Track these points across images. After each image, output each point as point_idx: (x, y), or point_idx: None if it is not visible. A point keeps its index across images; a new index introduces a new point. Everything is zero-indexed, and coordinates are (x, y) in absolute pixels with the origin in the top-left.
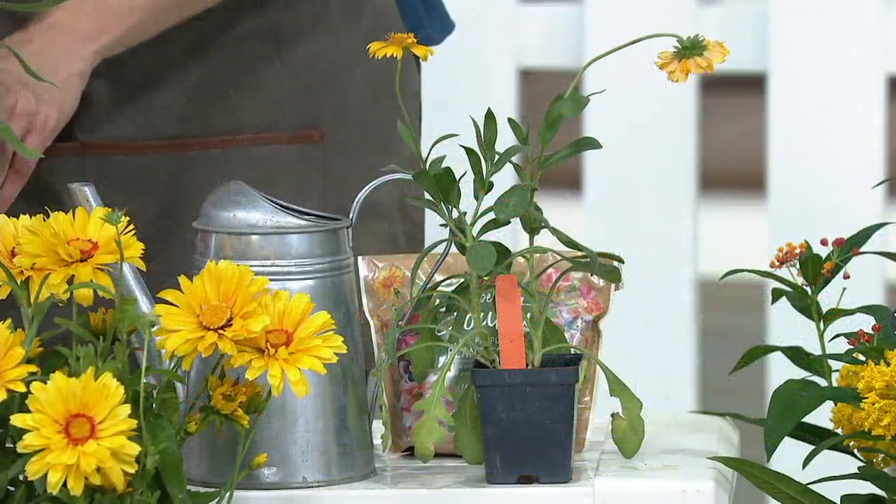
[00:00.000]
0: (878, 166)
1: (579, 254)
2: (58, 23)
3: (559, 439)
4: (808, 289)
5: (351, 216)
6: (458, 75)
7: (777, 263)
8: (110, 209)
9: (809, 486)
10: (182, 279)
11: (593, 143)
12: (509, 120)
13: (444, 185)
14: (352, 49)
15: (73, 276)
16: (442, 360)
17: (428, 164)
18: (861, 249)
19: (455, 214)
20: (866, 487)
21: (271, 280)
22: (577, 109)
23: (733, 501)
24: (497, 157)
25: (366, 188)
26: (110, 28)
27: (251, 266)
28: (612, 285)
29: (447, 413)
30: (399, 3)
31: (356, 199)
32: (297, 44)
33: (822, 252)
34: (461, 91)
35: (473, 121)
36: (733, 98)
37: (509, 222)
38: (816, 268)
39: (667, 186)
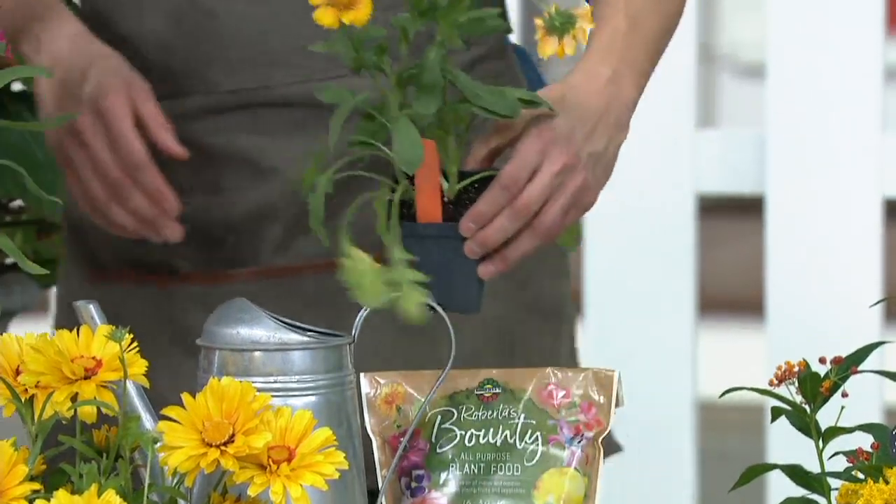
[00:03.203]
0: (876, 287)
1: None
2: (613, 80)
3: (470, 277)
4: (806, 407)
5: (353, 332)
6: None
7: (776, 381)
8: (114, 327)
9: None
10: (185, 396)
11: None
12: None
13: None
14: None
15: (76, 393)
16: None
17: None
18: (859, 368)
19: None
20: None
21: (274, 396)
22: None
23: None
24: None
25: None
26: (640, 85)
27: (254, 382)
28: (613, 403)
29: (415, 272)
30: (521, 63)
31: (359, 317)
32: None
33: (821, 370)
34: None
35: None
36: (731, 222)
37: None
38: (815, 386)
39: (666, 309)
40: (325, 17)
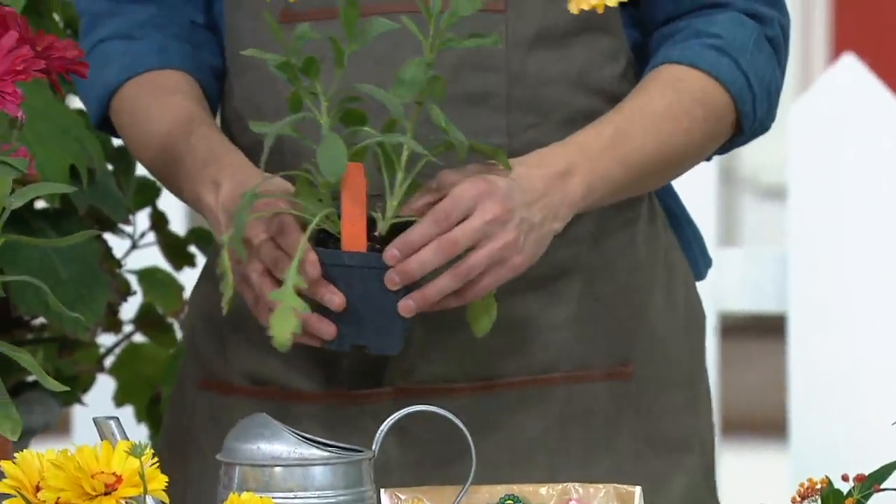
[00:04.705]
0: None
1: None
2: (564, 174)
3: (392, 314)
4: None
5: (374, 448)
6: None
7: (798, 499)
8: (133, 442)
9: None
10: None
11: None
12: None
13: (306, 64)
14: (653, 282)
15: None
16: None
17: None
18: (882, 486)
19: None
20: None
21: None
22: (472, 7)
23: None
24: (363, 27)
25: (393, 416)
26: (596, 190)
27: (274, 498)
28: None
29: (301, 302)
30: (679, 239)
31: (380, 431)
32: (607, 280)
33: (844, 488)
34: None
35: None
36: (753, 343)
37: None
38: (838, 503)
39: None
40: None
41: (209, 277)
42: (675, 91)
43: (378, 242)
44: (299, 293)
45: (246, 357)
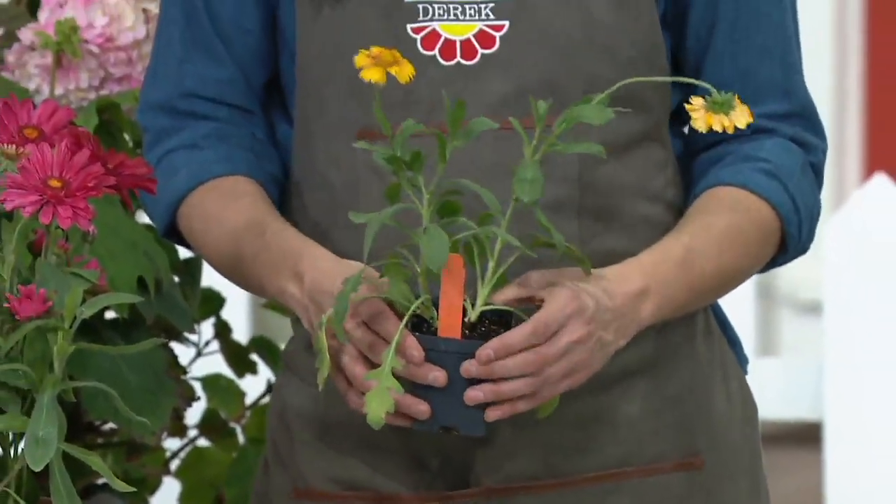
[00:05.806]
0: None
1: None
2: (640, 296)
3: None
4: None
5: None
6: None
7: None
8: None
9: None
10: None
11: (598, 149)
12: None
13: (412, 157)
14: (713, 376)
15: None
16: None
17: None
18: None
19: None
20: None
21: None
22: (602, 118)
23: None
24: (464, 131)
25: None
26: (664, 313)
27: None
28: None
29: (397, 383)
30: (723, 331)
31: None
32: (672, 377)
33: None
34: None
35: (446, 99)
36: (790, 453)
37: (536, 203)
38: None
39: None
40: (373, 73)
41: (281, 390)
42: (733, 212)
43: (467, 328)
44: (395, 376)
45: (331, 464)
